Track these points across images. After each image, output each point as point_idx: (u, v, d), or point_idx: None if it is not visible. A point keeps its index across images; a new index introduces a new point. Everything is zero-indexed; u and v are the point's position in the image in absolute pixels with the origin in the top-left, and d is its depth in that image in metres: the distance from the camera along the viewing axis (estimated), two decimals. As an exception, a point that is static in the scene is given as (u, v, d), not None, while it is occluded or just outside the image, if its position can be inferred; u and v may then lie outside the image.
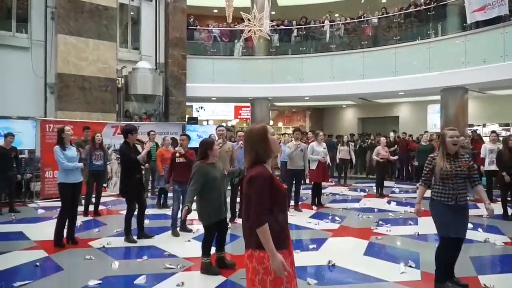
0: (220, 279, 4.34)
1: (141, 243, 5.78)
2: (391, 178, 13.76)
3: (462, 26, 12.04)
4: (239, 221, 6.48)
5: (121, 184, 5.87)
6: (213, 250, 4.61)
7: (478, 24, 11.51)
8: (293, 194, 8.20)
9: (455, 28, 12.30)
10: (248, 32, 12.57)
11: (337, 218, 7.41)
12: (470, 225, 6.84)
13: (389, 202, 9.20)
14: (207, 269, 4.46)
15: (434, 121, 15.97)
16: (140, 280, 4.26)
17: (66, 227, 5.68)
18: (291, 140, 11.55)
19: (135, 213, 5.96)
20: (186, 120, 13.62)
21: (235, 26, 14.57)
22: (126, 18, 13.49)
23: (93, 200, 7.87)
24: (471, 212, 8.10)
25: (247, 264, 2.30)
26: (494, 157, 9.05)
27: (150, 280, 4.28)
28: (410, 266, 4.70)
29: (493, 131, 9.73)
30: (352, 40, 14.38)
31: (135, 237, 5.87)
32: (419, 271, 4.61)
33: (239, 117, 17.87)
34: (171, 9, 13.71)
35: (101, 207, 8.12)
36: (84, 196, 7.64)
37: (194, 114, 16.17)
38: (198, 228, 6.56)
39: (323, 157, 8.56)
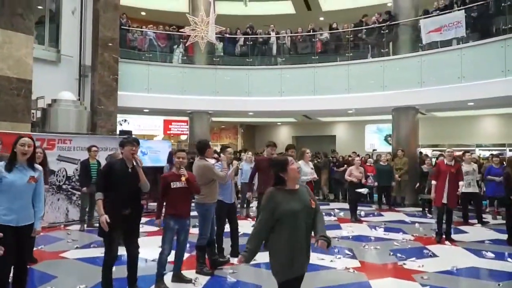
0: None
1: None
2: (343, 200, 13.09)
3: (415, 46, 12.04)
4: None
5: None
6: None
7: (431, 45, 11.57)
8: None
9: (408, 48, 12.24)
10: (195, 37, 11.20)
11: (346, 251, 6.29)
12: (491, 255, 6.30)
13: (374, 228, 8.35)
14: None
15: (371, 140, 15.96)
16: None
17: None
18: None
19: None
20: (118, 133, 11.53)
21: (180, 30, 12.93)
22: (43, 7, 11.13)
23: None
24: (470, 238, 7.68)
25: None
26: (470, 179, 8.83)
27: None
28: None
29: (466, 151, 9.55)
30: (302, 55, 13.65)
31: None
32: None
33: (168, 132, 16.02)
34: (101, 4, 11.61)
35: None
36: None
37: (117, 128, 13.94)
38: (197, 276, 4.93)
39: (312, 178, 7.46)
